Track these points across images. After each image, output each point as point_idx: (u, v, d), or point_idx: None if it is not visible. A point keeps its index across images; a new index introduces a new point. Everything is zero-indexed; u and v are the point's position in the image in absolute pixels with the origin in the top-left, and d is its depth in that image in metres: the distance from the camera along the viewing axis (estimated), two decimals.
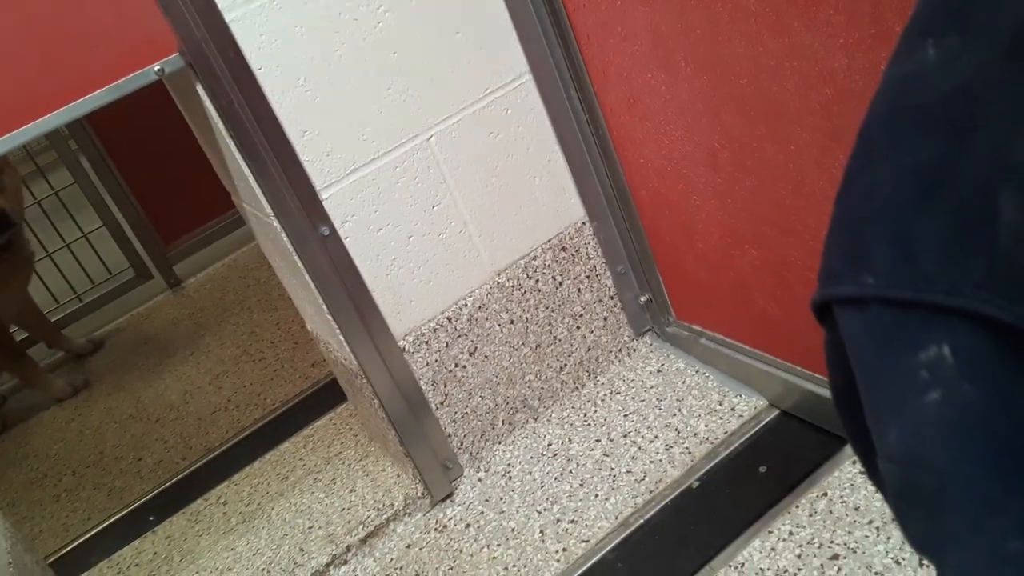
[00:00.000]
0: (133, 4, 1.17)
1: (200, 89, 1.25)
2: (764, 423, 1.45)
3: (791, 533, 1.24)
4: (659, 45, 1.25)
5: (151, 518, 1.86)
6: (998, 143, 0.30)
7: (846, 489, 1.26)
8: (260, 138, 1.28)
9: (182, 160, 2.63)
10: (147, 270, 3.17)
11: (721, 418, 1.49)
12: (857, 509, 1.22)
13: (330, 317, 1.40)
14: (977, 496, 0.29)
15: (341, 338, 1.42)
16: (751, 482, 1.36)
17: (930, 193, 0.32)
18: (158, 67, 1.21)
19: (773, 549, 1.22)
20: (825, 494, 1.27)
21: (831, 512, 1.24)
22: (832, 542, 1.20)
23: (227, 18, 1.22)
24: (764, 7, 1.04)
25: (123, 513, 1.93)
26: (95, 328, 3.02)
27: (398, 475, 1.63)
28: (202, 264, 3.18)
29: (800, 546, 1.21)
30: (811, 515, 1.25)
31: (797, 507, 1.27)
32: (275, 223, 1.33)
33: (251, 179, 1.30)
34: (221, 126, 1.27)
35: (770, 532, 1.25)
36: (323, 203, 1.36)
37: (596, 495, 1.44)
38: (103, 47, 1.17)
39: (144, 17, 1.18)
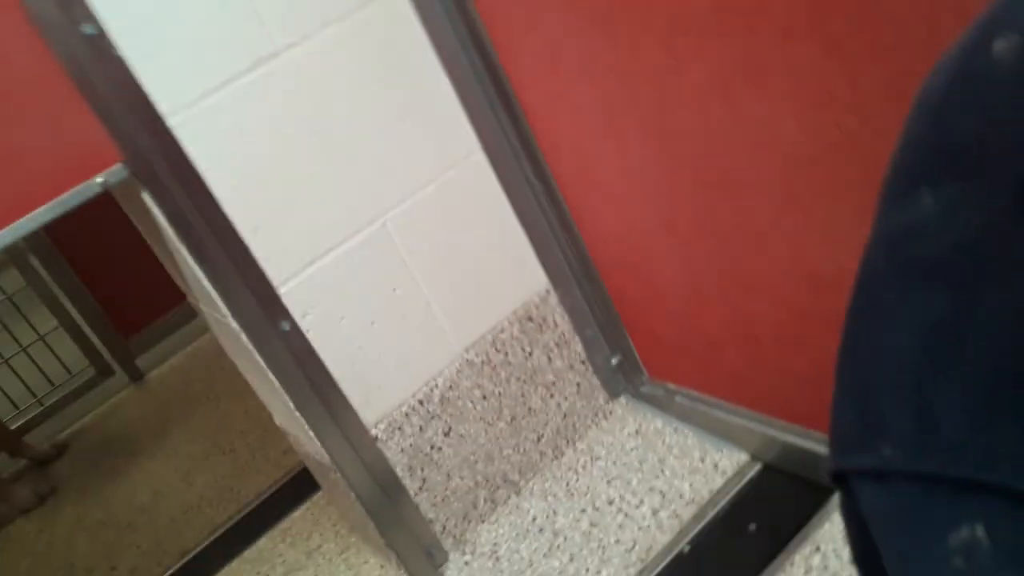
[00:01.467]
0: (71, 116, 1.15)
1: (146, 196, 1.22)
2: (748, 478, 1.43)
3: None
4: (608, 116, 1.25)
5: None
6: (1014, 301, 0.28)
7: (839, 541, 1.24)
8: (211, 240, 1.25)
9: (137, 249, 2.58)
10: (108, 366, 3.09)
11: (705, 476, 1.46)
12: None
13: (297, 413, 1.36)
14: None
15: (310, 433, 1.38)
16: (742, 541, 1.33)
17: (947, 353, 0.28)
18: (101, 179, 1.18)
19: None
20: (818, 548, 1.25)
21: (826, 568, 1.22)
22: None
23: (169, 123, 1.20)
24: (712, 77, 1.04)
25: None
26: (57, 431, 2.93)
27: (381, 566, 1.58)
28: (164, 355, 3.11)
29: None
30: (807, 572, 1.23)
31: (791, 565, 1.25)
32: (233, 323, 1.30)
33: (205, 281, 1.27)
34: (171, 231, 1.24)
35: None
36: (281, 298, 1.33)
37: (587, 570, 1.41)
38: (41, 163, 1.14)
39: (83, 129, 1.16)
